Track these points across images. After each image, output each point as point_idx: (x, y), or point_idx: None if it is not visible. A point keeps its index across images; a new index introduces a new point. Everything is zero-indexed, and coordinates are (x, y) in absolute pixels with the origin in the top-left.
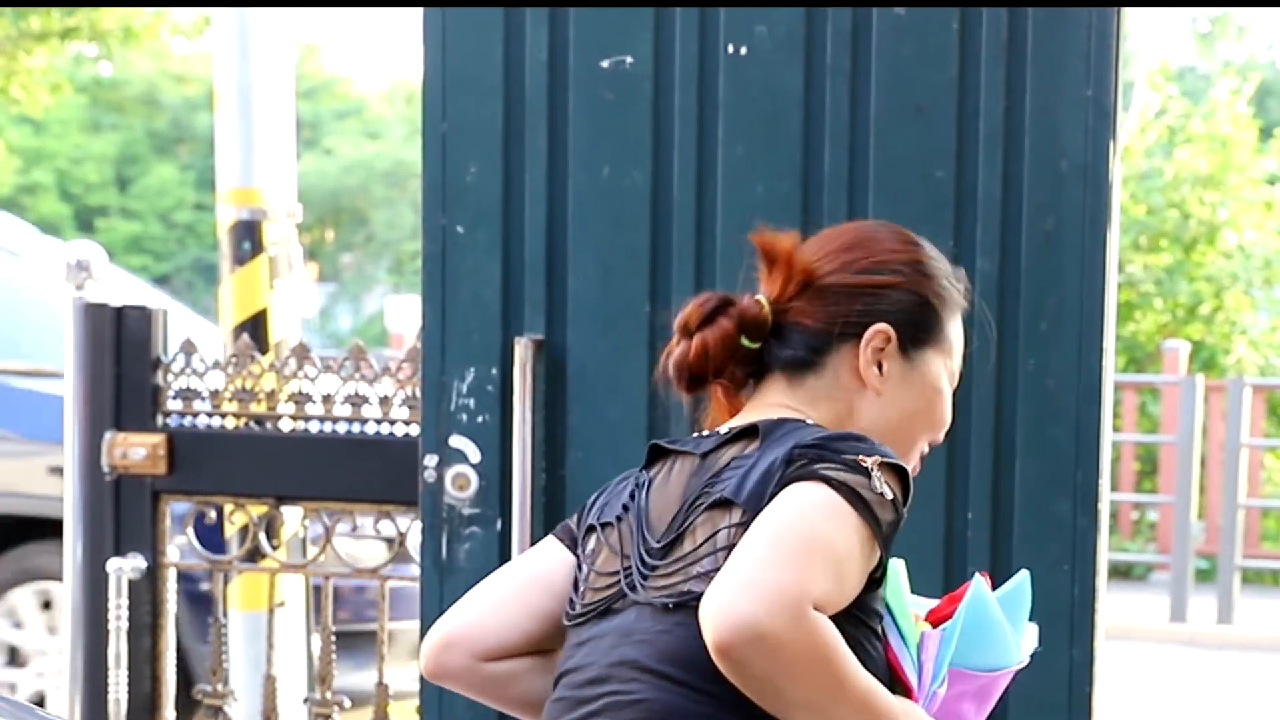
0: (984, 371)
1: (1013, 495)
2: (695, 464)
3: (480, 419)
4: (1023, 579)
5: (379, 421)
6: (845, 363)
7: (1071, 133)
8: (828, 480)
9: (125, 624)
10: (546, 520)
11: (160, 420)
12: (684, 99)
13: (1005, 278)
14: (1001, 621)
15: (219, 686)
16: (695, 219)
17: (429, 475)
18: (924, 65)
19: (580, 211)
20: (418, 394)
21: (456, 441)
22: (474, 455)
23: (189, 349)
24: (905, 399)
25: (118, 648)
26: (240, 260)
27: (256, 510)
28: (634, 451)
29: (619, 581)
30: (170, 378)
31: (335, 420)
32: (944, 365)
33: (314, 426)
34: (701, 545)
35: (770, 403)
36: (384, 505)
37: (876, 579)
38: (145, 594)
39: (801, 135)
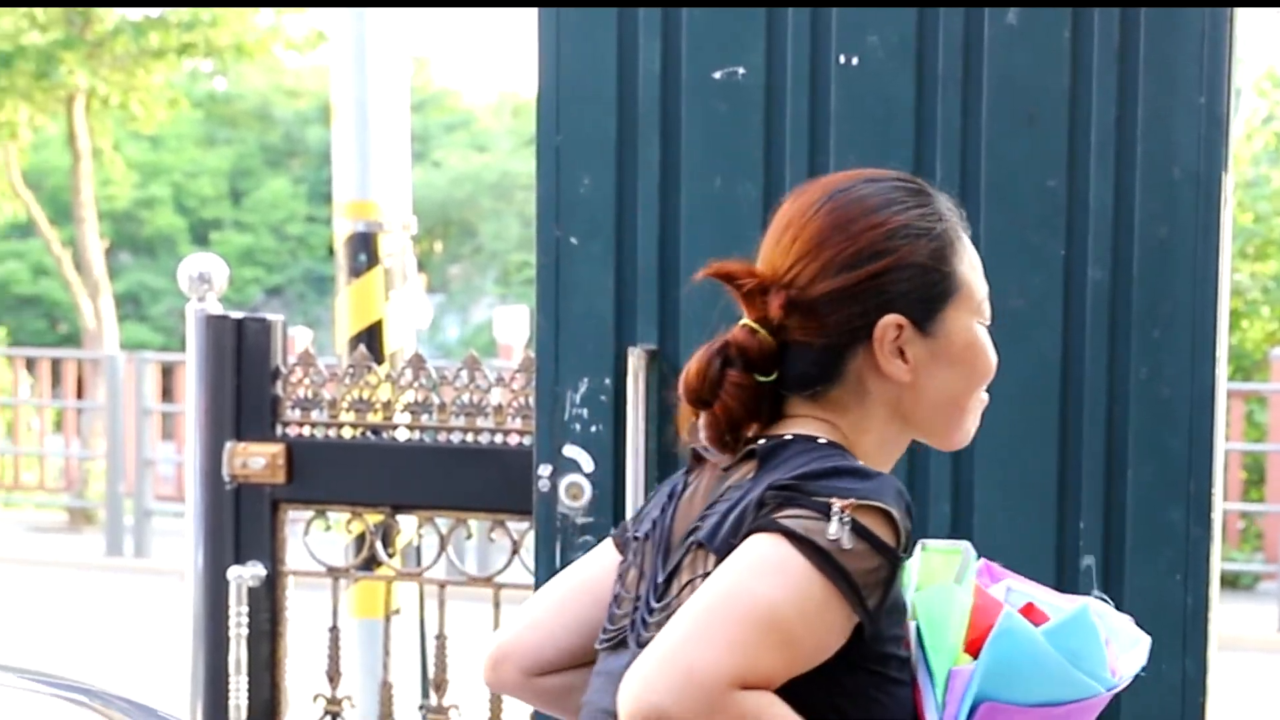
0: (1097, 380)
1: (1125, 504)
2: (717, 479)
3: (593, 429)
4: (1079, 611)
5: (493, 431)
6: (866, 364)
7: (1184, 140)
8: (785, 532)
9: (245, 631)
10: None
11: (279, 430)
12: (796, 110)
13: (1118, 286)
14: (1050, 653)
15: (335, 693)
16: None
17: (543, 484)
18: (1036, 73)
19: (692, 223)
20: (531, 404)
21: (570, 451)
22: (587, 465)
23: (306, 360)
24: (942, 374)
25: (238, 654)
26: (356, 272)
27: (373, 519)
28: None
29: (630, 615)
30: (289, 388)
31: (450, 430)
32: (969, 313)
33: (429, 436)
34: (682, 592)
35: (795, 413)
36: (499, 514)
37: (878, 624)
38: (264, 601)
39: (913, 145)
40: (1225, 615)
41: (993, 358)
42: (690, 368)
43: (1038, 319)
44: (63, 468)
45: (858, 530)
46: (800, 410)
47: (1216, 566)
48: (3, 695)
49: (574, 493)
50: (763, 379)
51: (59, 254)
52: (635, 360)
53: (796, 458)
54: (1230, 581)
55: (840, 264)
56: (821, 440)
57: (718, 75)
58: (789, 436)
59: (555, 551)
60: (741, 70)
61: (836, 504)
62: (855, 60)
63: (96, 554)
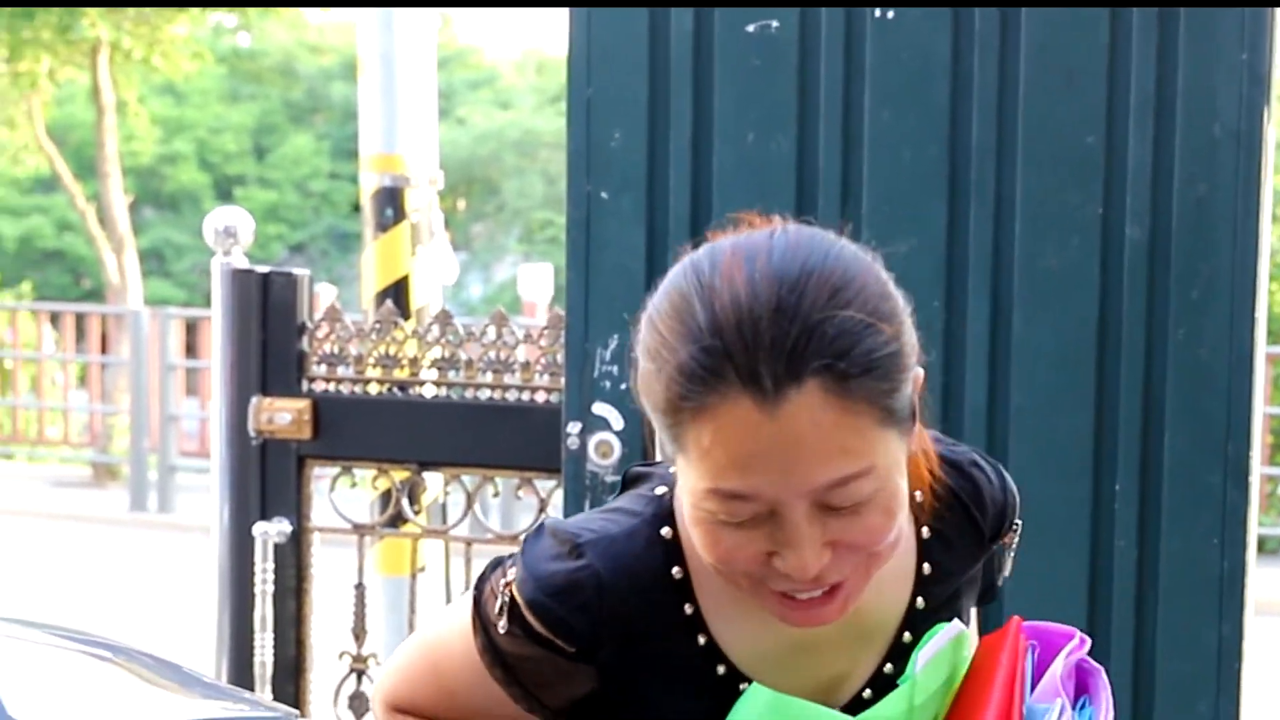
0: (1134, 340)
1: (1162, 466)
2: None
3: (624, 386)
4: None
5: (520, 388)
6: None
7: (1225, 98)
8: (482, 576)
9: (271, 587)
10: None
11: (305, 386)
12: (830, 64)
13: (1156, 246)
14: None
15: (361, 650)
16: (841, 186)
17: (572, 442)
18: (1075, 30)
19: (724, 178)
20: (558, 360)
21: (599, 408)
22: (617, 422)
23: (333, 315)
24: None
25: (263, 611)
26: (383, 227)
27: (399, 476)
28: None
29: None
30: (315, 343)
31: (477, 386)
32: (694, 483)
33: (456, 393)
34: None
35: None
36: (526, 471)
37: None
38: (290, 558)
39: (949, 101)
40: (1257, 580)
41: (708, 545)
42: None
43: (1074, 279)
44: (87, 423)
45: (512, 613)
46: None
47: (1254, 531)
48: (27, 650)
49: (603, 450)
50: None
51: (83, 209)
52: None
53: (616, 496)
54: (1258, 546)
55: None
56: (659, 490)
57: (751, 28)
58: (660, 469)
59: (584, 509)
60: (775, 23)
61: (505, 576)
62: (890, 14)
63: (120, 509)
